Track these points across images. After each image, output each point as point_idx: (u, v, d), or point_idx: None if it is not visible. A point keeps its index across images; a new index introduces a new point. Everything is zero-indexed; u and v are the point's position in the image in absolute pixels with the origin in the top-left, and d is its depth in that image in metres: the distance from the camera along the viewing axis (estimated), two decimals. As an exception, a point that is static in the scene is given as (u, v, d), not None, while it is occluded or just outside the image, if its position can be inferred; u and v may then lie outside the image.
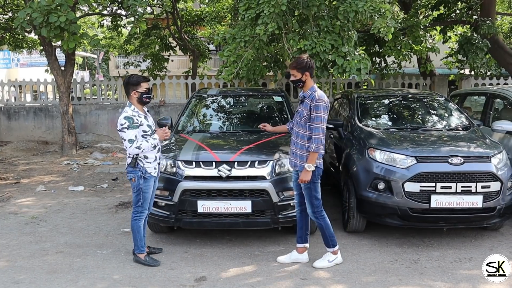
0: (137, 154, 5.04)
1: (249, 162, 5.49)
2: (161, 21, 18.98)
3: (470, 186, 5.50)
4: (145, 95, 5.09)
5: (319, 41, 7.25)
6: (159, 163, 5.29)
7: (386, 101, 7.82)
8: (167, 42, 19.16)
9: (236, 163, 5.47)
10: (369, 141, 6.17)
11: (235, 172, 5.43)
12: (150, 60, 19.79)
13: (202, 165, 5.48)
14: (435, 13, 14.21)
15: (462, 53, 11.99)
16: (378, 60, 14.38)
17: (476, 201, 5.51)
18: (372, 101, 7.81)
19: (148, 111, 5.38)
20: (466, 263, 5.27)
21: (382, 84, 14.59)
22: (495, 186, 5.60)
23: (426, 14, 14.42)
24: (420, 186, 5.50)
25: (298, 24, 8.24)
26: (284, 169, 5.57)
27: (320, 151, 4.87)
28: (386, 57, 13.66)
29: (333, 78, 12.93)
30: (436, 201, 5.45)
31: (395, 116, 7.50)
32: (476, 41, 11.48)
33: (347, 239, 6.04)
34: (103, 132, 14.36)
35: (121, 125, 4.95)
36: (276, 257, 5.40)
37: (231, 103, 7.84)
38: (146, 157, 5.08)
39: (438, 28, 14.32)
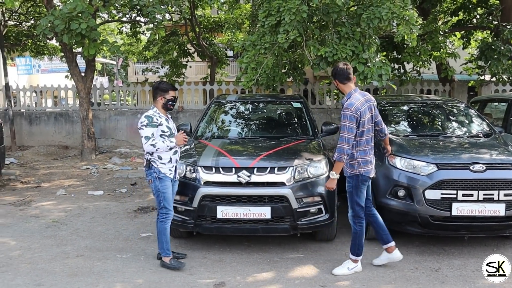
0: (151, 155, 5.14)
1: (269, 168, 5.48)
2: (179, 27, 19.11)
3: (493, 194, 5.41)
4: (170, 102, 5.28)
5: (340, 48, 7.22)
6: (176, 167, 5.33)
7: (406, 108, 7.75)
8: (185, 48, 19.27)
9: (255, 169, 5.47)
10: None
11: (255, 178, 5.43)
12: (168, 66, 19.93)
13: (221, 171, 5.50)
14: (455, 19, 14.09)
15: (483, 59, 11.86)
16: (396, 66, 14.28)
17: (499, 209, 5.41)
18: (392, 107, 7.73)
19: (171, 117, 5.48)
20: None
21: (401, 90, 14.49)
22: (518, 194, 5.50)
23: (446, 20, 14.30)
24: (441, 194, 5.43)
25: (319, 30, 8.21)
26: (303, 175, 5.56)
27: (342, 160, 4.88)
28: (405, 63, 13.56)
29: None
30: (458, 209, 5.38)
31: (415, 122, 7.42)
32: (498, 46, 11.33)
33: (366, 247, 5.90)
34: (122, 137, 14.46)
35: (141, 122, 5.14)
36: (296, 263, 5.41)
37: (250, 109, 7.84)
38: (160, 158, 5.16)
39: (458, 34, 14.21)
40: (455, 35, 14.55)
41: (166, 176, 5.20)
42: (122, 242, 6.27)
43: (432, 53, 11.85)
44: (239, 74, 9.52)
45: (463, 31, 13.88)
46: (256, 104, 8.00)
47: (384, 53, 9.30)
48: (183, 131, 5.40)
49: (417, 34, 10.77)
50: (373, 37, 7.63)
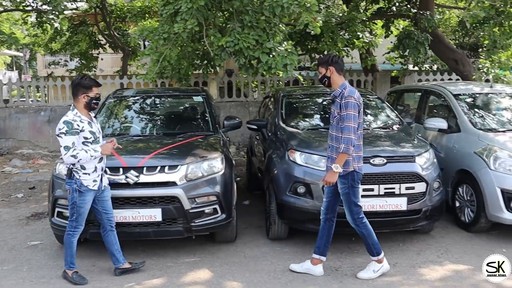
0: (73, 164, 4.83)
1: (159, 167, 5.39)
2: (89, 17, 18.55)
3: (394, 188, 5.55)
4: (94, 101, 4.93)
5: (242, 37, 7.19)
6: (102, 175, 5.04)
7: (314, 100, 7.85)
8: (96, 39, 18.75)
9: (144, 168, 5.36)
10: (290, 143, 6.14)
11: (144, 178, 5.32)
12: (78, 59, 19.34)
13: (108, 172, 5.31)
14: (375, 7, 14.38)
15: (401, 48, 12.17)
16: (317, 56, 14.44)
17: (400, 204, 5.57)
18: (299, 99, 7.80)
19: (95, 116, 5.20)
20: (390, 269, 5.26)
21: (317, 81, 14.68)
22: (420, 187, 5.67)
23: (366, 8, 14.55)
24: (341, 189, 5.50)
25: (225, 19, 8.15)
26: (197, 174, 5.50)
27: (350, 152, 4.78)
28: (325, 53, 13.72)
29: (270, 76, 12.91)
30: (358, 204, 5.46)
31: (321, 115, 7.51)
32: (416, 35, 11.65)
33: (268, 247, 6.01)
34: (24, 137, 13.81)
35: (59, 130, 4.76)
36: (190, 267, 5.35)
37: (148, 104, 7.69)
38: (83, 168, 4.85)
39: (379, 22, 14.52)
40: (376, 24, 14.84)
41: (88, 190, 4.89)
42: (6, 253, 6.01)
43: (353, 41, 12.03)
44: (141, 66, 9.30)
45: (384, 19, 14.17)
46: (155, 98, 7.84)
47: (290, 41, 9.33)
48: (112, 140, 5.09)
49: (333, 22, 11.04)
50: (279, 26, 7.65)
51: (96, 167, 4.93)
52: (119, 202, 5.30)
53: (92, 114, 5.10)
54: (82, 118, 4.86)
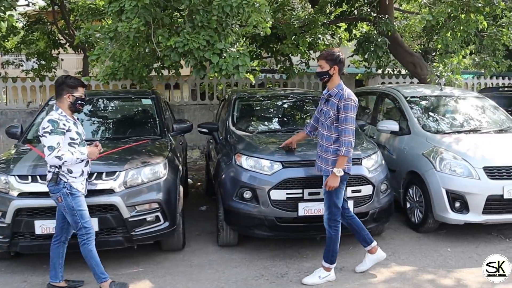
0: (59, 168, 4.59)
1: (95, 174, 5.14)
2: (47, 14, 18.07)
3: (340, 191, 5.47)
4: (79, 101, 4.75)
5: (192, 38, 7.04)
6: (87, 180, 4.85)
7: (266, 102, 7.76)
8: (56, 38, 18.32)
9: None
10: (237, 146, 6.03)
11: None
12: (35, 59, 18.89)
13: (39, 180, 5.04)
14: (338, 10, 14.43)
15: (361, 52, 12.20)
16: (282, 58, 14.38)
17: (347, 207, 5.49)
18: (253, 102, 7.70)
19: (78, 119, 5.00)
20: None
21: (287, 83, 14.64)
22: (366, 190, 5.62)
23: (330, 11, 14.57)
24: (287, 194, 5.40)
25: (182, 19, 7.97)
26: (137, 180, 5.30)
27: (350, 155, 4.83)
28: (291, 55, 13.67)
29: (235, 78, 12.79)
30: (304, 209, 5.38)
31: (272, 118, 7.43)
32: (374, 39, 11.72)
33: (217, 254, 5.88)
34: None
35: (43, 129, 4.51)
36: (131, 279, 5.18)
37: (94, 107, 7.39)
38: (70, 171, 4.62)
39: (343, 25, 14.57)
40: (340, 27, 14.89)
41: (79, 191, 4.69)
42: None
43: (318, 44, 12.00)
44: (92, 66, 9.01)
45: (347, 23, 14.22)
46: (100, 101, 7.57)
47: (242, 42, 9.19)
48: (97, 144, 4.92)
49: (295, 24, 10.97)
50: (232, 26, 7.50)
51: (82, 171, 4.74)
52: (52, 212, 5.00)
53: (76, 117, 4.91)
54: (68, 118, 4.68)
